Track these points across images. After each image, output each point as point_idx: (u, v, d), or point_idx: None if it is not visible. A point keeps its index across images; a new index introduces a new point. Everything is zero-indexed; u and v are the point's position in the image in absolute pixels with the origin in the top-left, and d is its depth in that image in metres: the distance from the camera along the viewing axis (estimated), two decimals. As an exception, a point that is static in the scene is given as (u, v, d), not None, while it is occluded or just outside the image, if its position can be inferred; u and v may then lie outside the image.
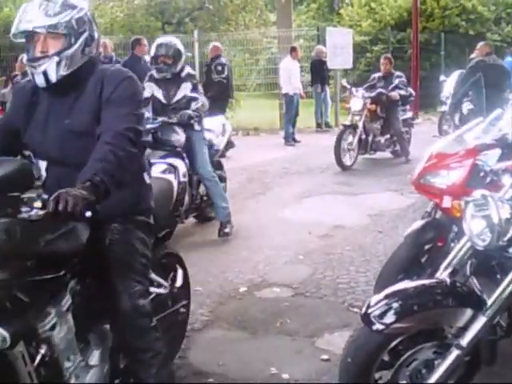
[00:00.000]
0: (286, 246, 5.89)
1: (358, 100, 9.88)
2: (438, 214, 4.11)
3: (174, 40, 6.22)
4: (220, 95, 10.58)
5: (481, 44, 9.08)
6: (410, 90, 10.81)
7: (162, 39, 6.23)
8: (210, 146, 6.39)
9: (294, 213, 7.15)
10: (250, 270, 5.24)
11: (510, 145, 3.79)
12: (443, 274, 2.83)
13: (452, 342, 2.63)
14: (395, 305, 2.61)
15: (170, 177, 5.25)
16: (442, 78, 12.93)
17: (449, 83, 11.89)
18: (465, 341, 2.59)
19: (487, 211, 2.51)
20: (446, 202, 3.88)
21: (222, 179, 6.69)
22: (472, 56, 11.76)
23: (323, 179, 8.97)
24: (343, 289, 4.78)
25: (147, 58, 11.18)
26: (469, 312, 2.62)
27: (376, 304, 2.63)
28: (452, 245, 3.62)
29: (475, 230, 2.56)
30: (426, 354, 2.71)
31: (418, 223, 4.07)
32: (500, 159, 3.95)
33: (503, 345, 2.92)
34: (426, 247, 4.04)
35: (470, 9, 18.26)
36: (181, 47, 6.06)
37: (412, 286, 2.74)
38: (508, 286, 2.55)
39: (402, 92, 10.11)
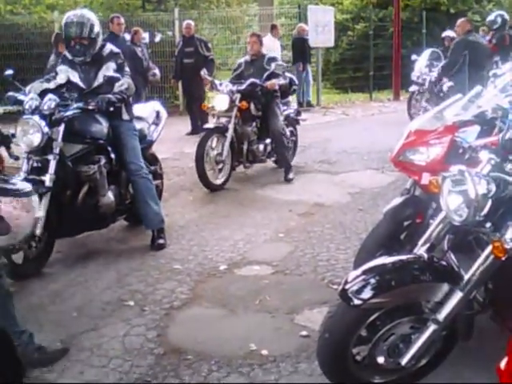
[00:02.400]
0: (266, 224, 5.89)
1: (224, 97, 7.32)
2: (417, 191, 4.12)
3: (86, 14, 5.11)
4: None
5: (461, 21, 9.11)
6: (290, 75, 8.51)
7: (72, 15, 5.06)
8: (142, 137, 5.52)
9: (275, 191, 7.13)
10: (230, 248, 5.23)
11: (488, 121, 3.81)
12: (421, 250, 2.84)
13: (429, 316, 2.66)
14: (372, 280, 2.62)
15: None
16: (413, 57, 12.41)
17: (420, 62, 11.59)
18: (441, 315, 2.61)
19: (464, 187, 2.51)
20: (425, 178, 3.88)
21: (157, 176, 5.93)
22: (447, 33, 11.90)
23: (304, 157, 8.94)
24: (323, 266, 4.79)
25: (127, 37, 11.20)
26: (445, 287, 2.64)
27: (353, 280, 2.64)
28: (430, 221, 3.63)
29: (452, 205, 2.57)
30: (403, 328, 2.73)
31: (397, 200, 4.08)
32: (479, 136, 3.98)
33: (479, 319, 2.94)
34: (405, 224, 4.05)
35: (451, -13, 18.25)
36: (95, 21, 5.06)
37: (389, 261, 2.75)
38: (484, 261, 2.57)
39: (281, 80, 7.66)
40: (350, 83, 17.41)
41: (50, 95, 4.75)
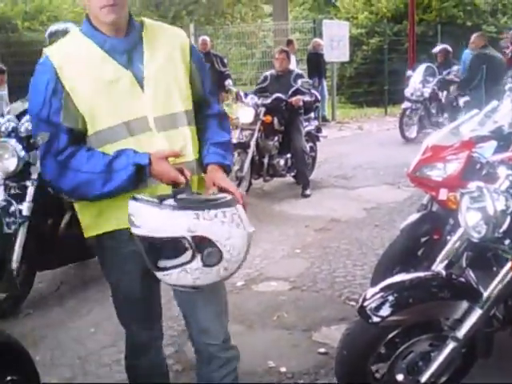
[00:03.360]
0: (283, 240, 5.90)
1: (249, 110, 7.32)
2: (435, 207, 4.11)
3: (71, 27, 4.41)
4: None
5: (475, 36, 9.11)
6: (315, 92, 8.42)
7: (56, 27, 4.51)
8: None
9: (292, 207, 7.14)
10: (248, 264, 5.21)
11: (505, 136, 3.80)
12: (439, 267, 2.82)
13: (448, 334, 2.64)
14: (391, 297, 2.62)
15: None
16: (408, 72, 12.28)
17: (415, 78, 11.43)
18: (461, 333, 2.60)
19: (482, 203, 2.51)
20: (442, 194, 3.88)
21: None
22: (440, 47, 11.86)
23: (321, 173, 8.95)
24: (340, 282, 4.78)
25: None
26: (465, 304, 2.62)
27: (372, 297, 2.63)
28: (448, 237, 3.61)
29: (471, 222, 2.56)
30: (422, 346, 2.72)
31: (414, 216, 4.07)
32: (496, 151, 3.96)
33: (499, 337, 2.92)
34: (423, 240, 4.04)
35: (466, 0, 18.25)
36: None
37: (408, 278, 2.74)
38: (504, 278, 2.55)
39: (306, 97, 7.63)
40: (364, 98, 17.41)
41: (28, 116, 4.26)
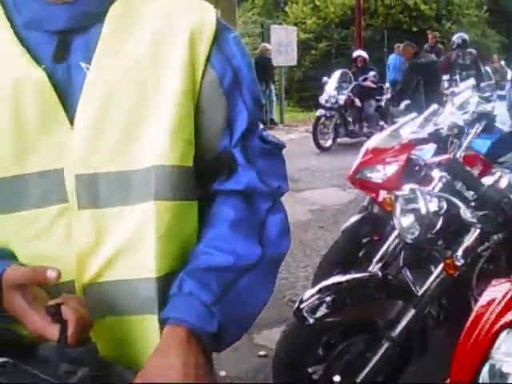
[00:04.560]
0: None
1: None
2: (375, 209, 4.14)
3: None
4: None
5: (403, 47, 9.23)
6: None
7: None
8: None
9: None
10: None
11: (443, 139, 3.86)
12: (375, 267, 2.84)
13: (383, 334, 2.65)
14: (327, 299, 2.62)
15: None
16: (324, 79, 12.06)
17: (330, 84, 11.32)
18: (395, 333, 2.61)
19: (416, 205, 2.53)
20: (382, 196, 3.91)
21: None
22: (358, 53, 11.95)
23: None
24: (283, 284, 4.78)
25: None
26: (399, 304, 2.65)
27: (308, 299, 2.63)
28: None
29: (404, 223, 2.58)
30: (358, 347, 2.72)
31: (355, 217, 4.11)
32: (435, 154, 4.03)
33: (435, 335, 2.96)
34: (364, 241, 4.07)
35: (412, 6, 18.61)
36: None
37: (344, 279, 2.75)
38: (436, 277, 2.58)
39: None
40: (313, 101, 17.52)
41: None
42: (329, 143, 11.17)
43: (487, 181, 2.60)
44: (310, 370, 2.77)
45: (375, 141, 4.11)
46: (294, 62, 14.96)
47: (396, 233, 2.80)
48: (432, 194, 2.58)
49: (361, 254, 4.12)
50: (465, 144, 3.09)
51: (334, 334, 2.68)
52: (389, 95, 11.94)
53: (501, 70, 12.82)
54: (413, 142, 3.86)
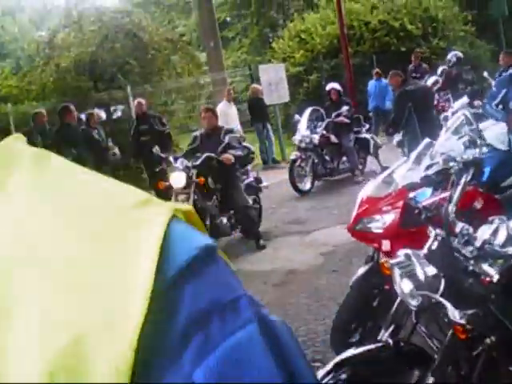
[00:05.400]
0: (241, 302, 5.75)
1: (180, 174, 7.06)
2: (381, 257, 4.05)
3: None
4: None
5: (391, 75, 9.15)
6: (246, 145, 8.17)
7: None
8: None
9: (248, 263, 7.03)
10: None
11: (437, 183, 3.77)
12: (385, 335, 2.74)
13: (404, 406, 2.55)
14: (341, 377, 2.52)
15: None
16: (296, 117, 11.58)
17: (301, 124, 10.81)
18: (416, 404, 2.51)
19: (413, 271, 2.44)
20: (385, 245, 3.84)
21: None
22: (331, 86, 11.42)
23: (274, 220, 8.90)
24: (303, 342, 4.65)
25: (83, 118, 11.24)
26: (416, 372, 2.54)
27: (322, 379, 2.52)
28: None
29: (406, 289, 2.49)
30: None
31: (362, 270, 4.01)
32: (433, 193, 3.95)
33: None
34: (375, 291, 3.98)
35: (398, 28, 18.64)
36: None
37: (357, 353, 2.64)
38: (449, 343, 2.48)
39: (238, 152, 7.41)
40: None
41: None
42: (308, 186, 10.66)
43: (484, 232, 2.50)
44: None
45: (369, 190, 4.04)
46: (286, 99, 15.00)
47: (399, 298, 2.70)
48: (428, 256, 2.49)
49: (375, 303, 4.02)
50: (455, 197, 2.96)
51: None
52: (367, 126, 11.60)
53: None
54: (407, 188, 3.78)
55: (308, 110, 11.07)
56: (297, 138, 10.76)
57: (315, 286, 5.92)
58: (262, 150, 14.36)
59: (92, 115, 11.65)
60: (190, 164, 7.20)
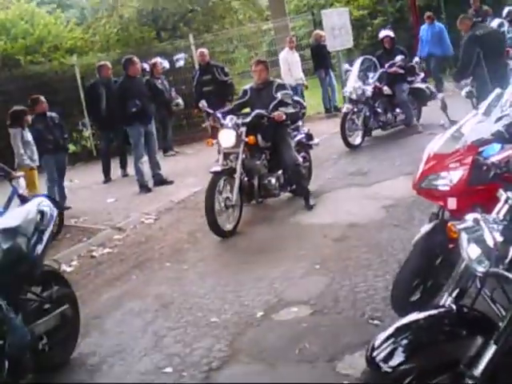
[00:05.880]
0: (301, 255, 5.76)
1: (229, 132, 6.81)
2: (446, 215, 3.94)
3: None
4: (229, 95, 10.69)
5: (460, 20, 8.72)
6: (298, 99, 7.96)
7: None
8: (19, 257, 3.94)
9: (307, 216, 6.98)
10: (267, 289, 5.12)
11: (508, 139, 3.62)
12: (448, 300, 2.67)
13: (465, 373, 2.49)
14: (402, 343, 2.46)
15: None
16: (345, 66, 11.22)
17: (352, 74, 10.31)
18: (478, 371, 2.44)
19: (482, 236, 2.35)
20: (451, 203, 3.74)
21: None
22: (385, 33, 10.86)
23: (335, 172, 8.80)
24: (362, 299, 4.63)
25: (147, 67, 11.28)
26: (479, 340, 2.47)
27: (381, 345, 2.48)
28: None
29: (473, 255, 2.40)
30: (441, 387, 2.56)
31: (426, 227, 3.92)
32: (503, 147, 3.79)
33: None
34: (438, 251, 3.89)
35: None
36: None
37: (418, 318, 2.58)
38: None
39: (290, 109, 7.13)
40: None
41: None
42: (358, 140, 10.18)
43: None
44: (392, 415, 2.63)
45: (436, 146, 3.89)
46: (350, 44, 14.56)
47: (464, 263, 2.61)
48: (498, 221, 2.39)
49: (437, 262, 3.94)
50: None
51: (414, 377, 2.53)
52: (422, 75, 11.12)
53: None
54: (476, 144, 3.64)
55: (359, 60, 10.61)
56: (347, 89, 10.28)
57: (376, 240, 5.83)
58: (324, 97, 14.13)
59: (155, 65, 11.68)
60: (239, 121, 6.91)
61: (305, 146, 7.91)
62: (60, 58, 14.59)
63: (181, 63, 13.58)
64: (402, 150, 9.27)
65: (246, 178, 6.94)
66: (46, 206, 4.44)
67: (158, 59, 12.09)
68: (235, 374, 3.90)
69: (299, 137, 7.77)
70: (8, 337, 2.95)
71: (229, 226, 6.69)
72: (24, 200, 4.52)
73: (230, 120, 6.90)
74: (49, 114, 8.97)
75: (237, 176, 6.72)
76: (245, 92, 7.50)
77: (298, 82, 12.39)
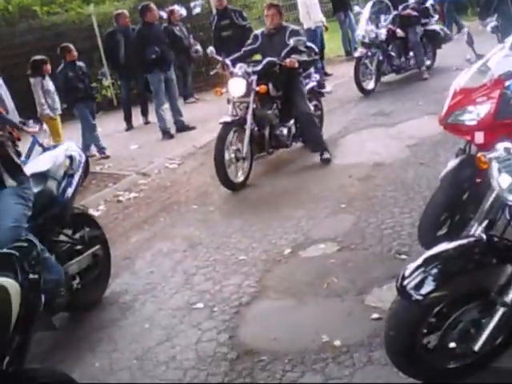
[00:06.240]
0: (326, 196, 5.78)
1: (239, 81, 6.48)
2: (473, 150, 3.93)
3: None
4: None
5: None
6: (313, 46, 7.33)
7: None
8: (49, 200, 4.05)
9: (332, 156, 6.97)
10: (293, 228, 5.17)
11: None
12: (478, 230, 2.70)
13: (496, 300, 2.53)
14: (432, 272, 2.52)
15: None
16: (356, 9, 10.95)
17: (364, 18, 9.96)
18: (509, 297, 2.49)
19: (512, 166, 2.36)
20: (478, 137, 3.71)
21: (95, 242, 4.53)
22: None
23: (358, 113, 8.75)
24: (388, 235, 4.67)
25: (164, 15, 11.15)
26: (509, 268, 2.51)
27: (411, 274, 2.53)
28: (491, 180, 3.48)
29: (504, 184, 2.41)
30: (471, 314, 2.62)
31: (453, 162, 3.91)
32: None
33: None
34: (465, 185, 3.89)
35: None
36: None
37: (448, 248, 2.62)
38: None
39: (303, 57, 6.74)
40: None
41: None
42: (371, 85, 9.82)
43: None
44: (424, 341, 2.70)
45: (463, 80, 3.85)
46: (369, -16, 14.21)
47: (495, 193, 2.63)
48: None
49: (464, 197, 3.95)
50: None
51: (445, 304, 2.58)
52: (436, 17, 10.78)
53: None
54: (503, 78, 3.59)
55: (370, 2, 10.24)
56: (360, 33, 9.94)
57: (402, 179, 5.83)
58: (344, 40, 13.92)
59: (173, 12, 11.55)
60: (249, 70, 6.55)
61: (316, 93, 7.59)
62: (77, 8, 14.44)
63: (197, 10, 13.40)
64: (425, 89, 9.16)
65: (256, 129, 6.62)
66: (74, 150, 4.52)
67: (176, 6, 11.96)
68: (265, 310, 3.98)
69: (311, 84, 7.40)
70: (43, 274, 3.04)
71: (239, 179, 6.49)
72: (45, 149, 4.55)
73: (239, 68, 6.55)
74: (78, 63, 8.96)
75: (247, 127, 6.42)
76: (256, 37, 7.08)
77: (317, 24, 12.17)
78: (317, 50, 7.53)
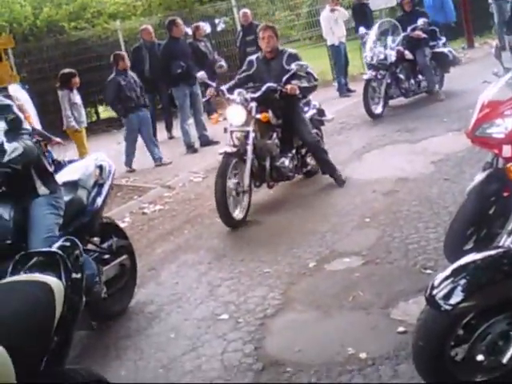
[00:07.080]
0: (350, 210, 5.79)
1: (238, 108, 6.06)
2: (500, 164, 3.92)
3: None
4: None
5: None
6: (311, 71, 6.48)
7: None
8: (80, 209, 4.14)
9: (356, 171, 6.98)
10: (318, 241, 5.18)
11: None
12: (507, 241, 2.70)
13: (525, 311, 2.53)
14: (461, 282, 2.52)
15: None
16: (361, 30, 10.75)
17: (370, 39, 9.80)
18: (538, 309, 2.48)
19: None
20: (506, 151, 3.69)
21: (122, 252, 4.58)
22: None
23: (382, 129, 8.75)
24: (413, 249, 4.66)
25: (189, 31, 11.28)
26: (539, 278, 2.50)
27: (440, 283, 2.54)
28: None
29: (534, 195, 2.41)
30: (500, 326, 2.61)
31: (480, 176, 3.90)
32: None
33: None
34: (492, 199, 3.88)
35: None
36: None
37: (477, 259, 2.62)
38: None
39: (304, 83, 6.33)
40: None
41: None
42: (379, 110, 9.47)
43: None
44: (452, 353, 2.69)
45: (491, 93, 3.85)
46: (393, 3, 14.19)
47: (526, 203, 2.63)
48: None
49: (491, 211, 3.93)
50: None
51: (474, 315, 2.57)
52: (444, 39, 10.47)
53: None
54: (532, 90, 3.59)
55: (377, 24, 10.09)
56: (368, 54, 9.64)
57: (426, 194, 5.83)
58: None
59: (198, 28, 11.67)
60: (248, 96, 6.12)
61: (316, 122, 7.15)
62: (103, 24, 14.67)
63: (222, 26, 13.52)
64: (455, 103, 9.14)
65: (255, 161, 6.14)
66: (104, 160, 4.59)
67: (201, 23, 12.11)
68: (290, 321, 3.99)
69: (311, 112, 7.01)
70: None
71: (239, 214, 5.99)
72: (58, 166, 4.58)
73: (238, 94, 6.12)
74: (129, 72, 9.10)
75: (248, 158, 5.96)
76: (250, 63, 6.61)
77: (340, 40, 12.22)
78: (316, 75, 6.86)
